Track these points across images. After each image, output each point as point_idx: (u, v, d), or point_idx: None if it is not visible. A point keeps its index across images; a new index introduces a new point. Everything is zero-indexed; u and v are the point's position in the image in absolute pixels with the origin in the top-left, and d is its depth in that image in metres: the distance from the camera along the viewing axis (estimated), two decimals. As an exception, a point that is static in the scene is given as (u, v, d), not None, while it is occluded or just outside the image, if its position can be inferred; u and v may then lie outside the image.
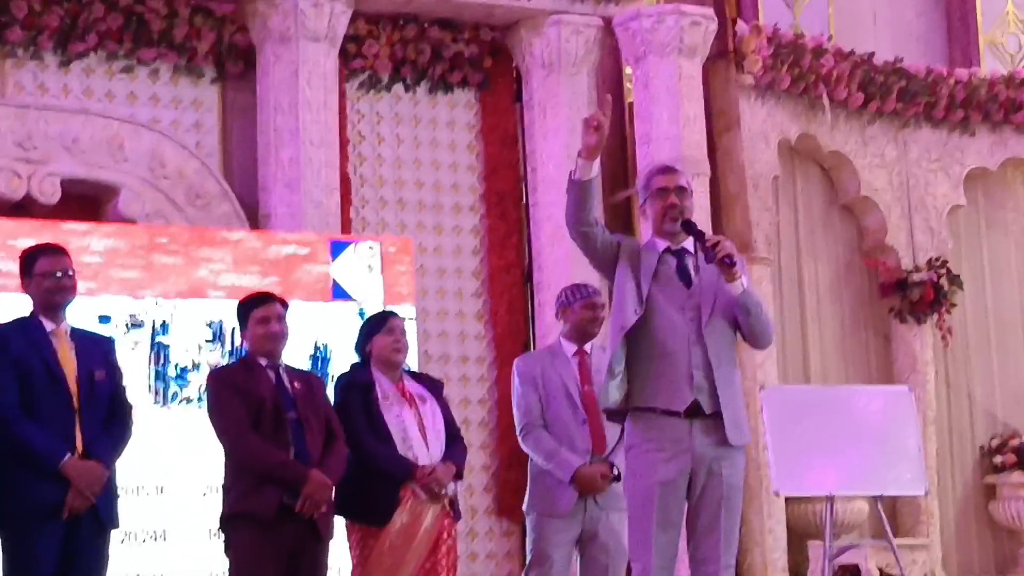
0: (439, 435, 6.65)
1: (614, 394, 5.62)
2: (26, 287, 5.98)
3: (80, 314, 6.32)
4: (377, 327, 6.75)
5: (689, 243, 5.75)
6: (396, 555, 6.43)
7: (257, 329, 6.28)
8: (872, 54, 11.55)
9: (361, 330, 6.85)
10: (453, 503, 6.66)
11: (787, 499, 10.10)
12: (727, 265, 5.52)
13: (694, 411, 5.56)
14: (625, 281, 5.66)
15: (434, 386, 6.89)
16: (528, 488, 7.14)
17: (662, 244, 5.74)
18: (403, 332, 6.77)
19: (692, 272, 5.67)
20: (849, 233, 11.87)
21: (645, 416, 5.60)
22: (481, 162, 10.54)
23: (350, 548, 6.56)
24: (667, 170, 5.84)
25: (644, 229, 10.08)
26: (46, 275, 5.90)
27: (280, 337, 6.30)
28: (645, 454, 5.58)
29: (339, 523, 6.43)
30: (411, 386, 6.74)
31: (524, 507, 7.18)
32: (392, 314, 6.94)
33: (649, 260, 5.68)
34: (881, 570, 9.76)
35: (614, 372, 5.62)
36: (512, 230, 10.44)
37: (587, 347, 6.97)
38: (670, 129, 10.14)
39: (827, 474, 8.28)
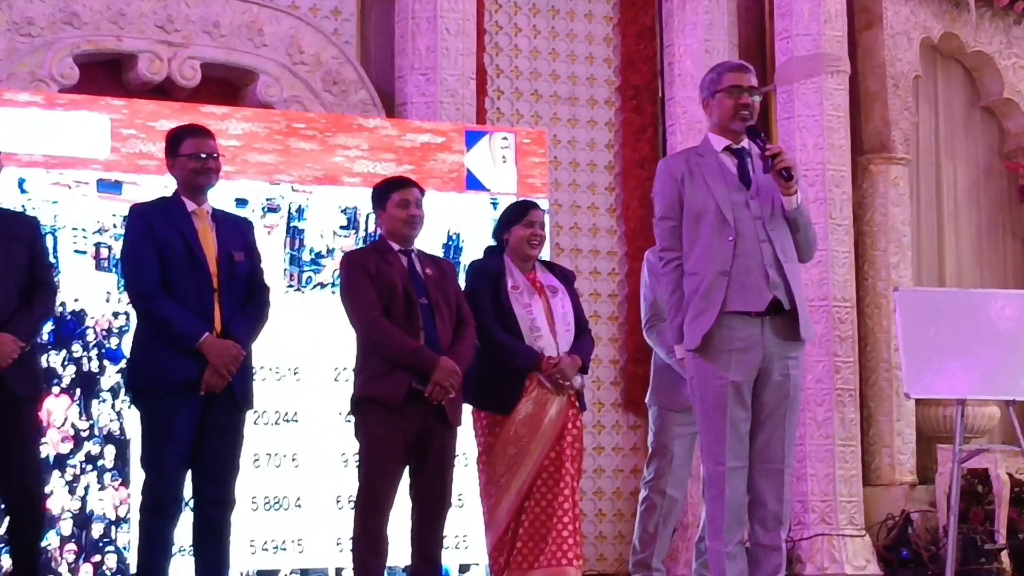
0: (568, 327, 6.66)
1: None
2: (170, 167, 6.06)
3: (218, 197, 6.37)
4: (517, 217, 6.75)
5: (747, 144, 5.70)
6: (521, 444, 6.50)
7: (396, 212, 6.31)
8: (1021, -49, 11.31)
9: (501, 217, 6.87)
10: (579, 395, 6.69)
11: (917, 401, 10.02)
12: (784, 178, 5.45)
13: (771, 309, 5.55)
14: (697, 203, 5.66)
15: (566, 277, 6.89)
16: (651, 381, 7.18)
17: (720, 143, 5.68)
18: (542, 225, 6.77)
19: (751, 173, 5.62)
20: (990, 135, 11.66)
21: (720, 317, 5.57)
22: (618, 55, 10.47)
23: (475, 435, 6.64)
24: (740, 67, 5.78)
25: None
26: (192, 156, 5.96)
27: (418, 221, 6.33)
28: (718, 354, 5.55)
29: (467, 410, 6.49)
30: (543, 277, 6.76)
31: (646, 400, 7.22)
32: (533, 205, 6.90)
33: (708, 165, 5.64)
34: (1011, 475, 9.67)
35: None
36: (647, 124, 10.37)
37: None
38: (810, 25, 9.99)
39: (959, 378, 8.21)
